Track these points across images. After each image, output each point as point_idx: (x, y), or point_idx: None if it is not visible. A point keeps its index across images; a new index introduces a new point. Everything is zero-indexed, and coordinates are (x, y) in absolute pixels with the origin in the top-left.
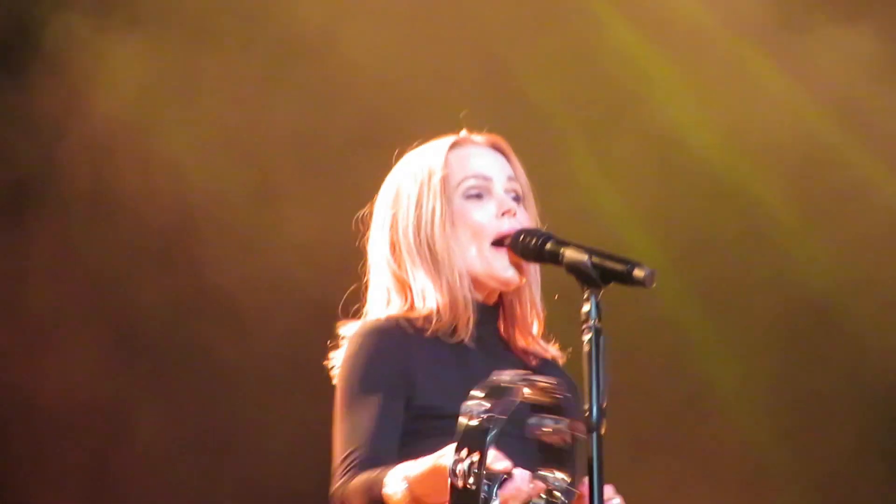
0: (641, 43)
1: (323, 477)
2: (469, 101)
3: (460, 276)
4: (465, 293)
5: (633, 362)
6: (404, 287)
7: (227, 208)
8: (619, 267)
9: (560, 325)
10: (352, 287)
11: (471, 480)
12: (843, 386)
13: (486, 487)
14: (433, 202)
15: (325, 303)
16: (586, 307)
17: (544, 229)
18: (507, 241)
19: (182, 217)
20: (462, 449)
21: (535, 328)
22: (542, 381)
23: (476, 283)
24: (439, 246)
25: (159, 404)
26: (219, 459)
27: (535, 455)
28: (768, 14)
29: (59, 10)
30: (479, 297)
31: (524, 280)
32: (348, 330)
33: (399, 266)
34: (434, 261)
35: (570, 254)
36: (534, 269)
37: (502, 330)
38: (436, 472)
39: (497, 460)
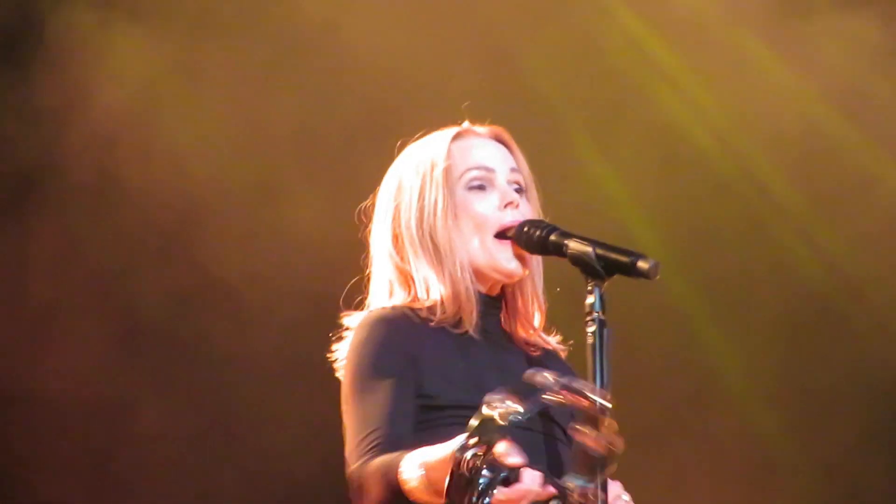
0: (645, 34)
1: (325, 468)
2: (472, 93)
3: (462, 268)
4: (468, 285)
5: (638, 354)
6: (407, 279)
7: (229, 201)
8: (623, 259)
9: (562, 318)
10: (354, 280)
11: (471, 468)
12: (848, 377)
13: (484, 479)
14: (436, 194)
15: (327, 296)
16: (590, 299)
17: (547, 221)
18: (511, 233)
19: (184, 210)
20: (473, 437)
21: (537, 320)
22: (582, 386)
23: (478, 274)
24: (442, 237)
25: (162, 397)
26: (221, 451)
27: (565, 459)
28: (772, 4)
29: (63, 3)
30: (482, 288)
31: (527, 272)
32: (353, 320)
33: (402, 258)
34: (437, 252)
35: (574, 245)
36: (536, 262)
37: (503, 322)
38: (451, 460)
39: (509, 455)
